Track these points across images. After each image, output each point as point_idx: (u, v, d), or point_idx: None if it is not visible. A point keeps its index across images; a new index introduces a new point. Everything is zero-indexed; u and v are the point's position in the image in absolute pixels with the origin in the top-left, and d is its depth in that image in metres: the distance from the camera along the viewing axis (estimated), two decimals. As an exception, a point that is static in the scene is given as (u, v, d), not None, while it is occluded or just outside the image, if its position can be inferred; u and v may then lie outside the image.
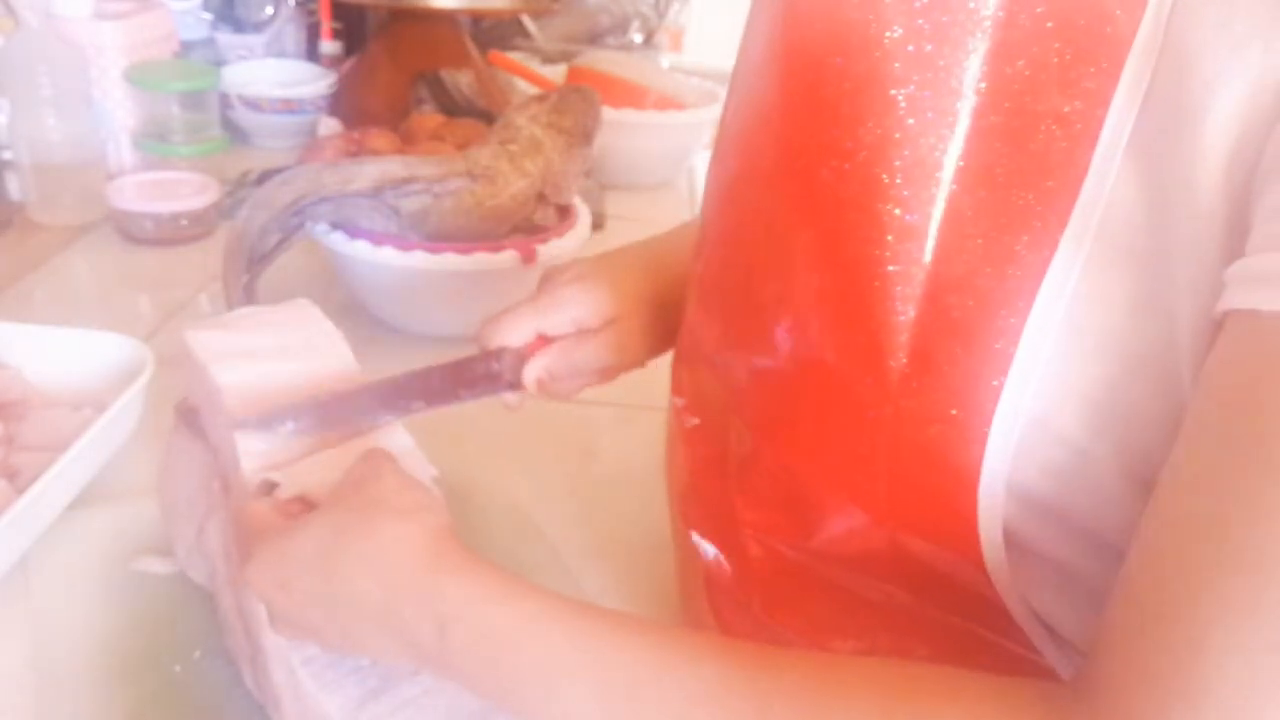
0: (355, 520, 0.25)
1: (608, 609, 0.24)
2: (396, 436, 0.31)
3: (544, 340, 0.34)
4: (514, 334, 0.34)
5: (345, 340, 0.34)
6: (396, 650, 0.25)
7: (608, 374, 0.36)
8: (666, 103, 0.84)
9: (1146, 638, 0.18)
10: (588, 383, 0.36)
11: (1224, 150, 0.18)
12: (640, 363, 0.36)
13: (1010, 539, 0.22)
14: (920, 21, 0.21)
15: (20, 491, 0.35)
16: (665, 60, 1.06)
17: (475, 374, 0.33)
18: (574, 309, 0.34)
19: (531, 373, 0.33)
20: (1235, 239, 0.18)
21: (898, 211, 0.21)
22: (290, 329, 0.34)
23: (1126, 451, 0.20)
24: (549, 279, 0.36)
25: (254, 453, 0.29)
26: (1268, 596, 0.16)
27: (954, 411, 0.21)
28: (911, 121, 0.21)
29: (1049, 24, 0.20)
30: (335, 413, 0.30)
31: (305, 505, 0.28)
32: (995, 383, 0.21)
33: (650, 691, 0.22)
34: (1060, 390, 0.21)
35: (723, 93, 0.92)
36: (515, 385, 0.34)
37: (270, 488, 0.29)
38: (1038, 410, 0.21)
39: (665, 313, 0.35)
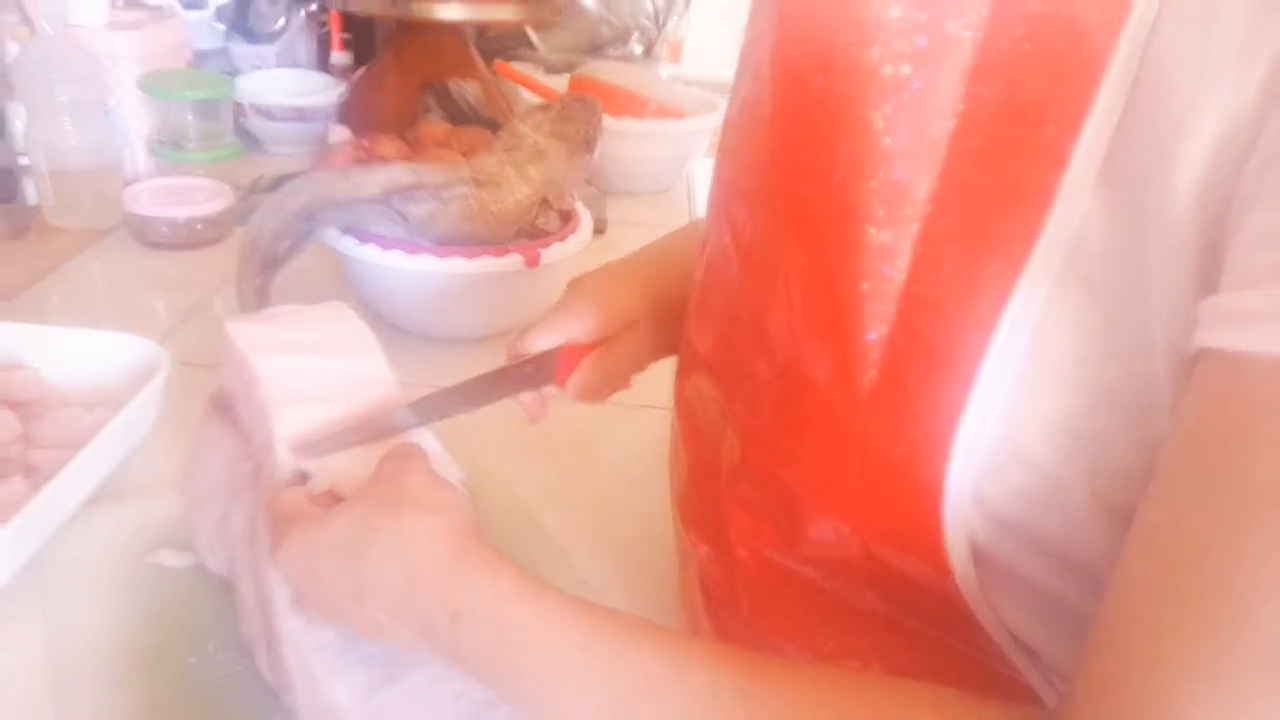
0: (383, 513, 0.26)
1: (619, 613, 0.24)
2: (425, 440, 0.32)
3: (572, 347, 0.36)
4: (541, 345, 0.36)
5: (379, 342, 0.35)
6: (415, 639, 0.25)
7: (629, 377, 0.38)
8: (666, 112, 0.85)
9: (1116, 683, 0.17)
10: (616, 388, 0.37)
11: (1196, 182, 0.17)
12: (656, 360, 0.38)
13: (983, 557, 0.22)
14: (898, 43, 0.21)
15: (37, 488, 0.36)
16: (664, 70, 1.07)
17: (511, 381, 0.35)
18: (593, 319, 0.36)
19: (573, 386, 0.35)
20: (1209, 273, 0.17)
21: (872, 230, 0.21)
22: (327, 327, 0.35)
23: (1100, 480, 0.20)
24: (571, 290, 0.37)
25: (289, 438, 0.30)
26: (1235, 647, 0.15)
27: (918, 431, 0.21)
28: (888, 141, 0.21)
29: (1026, 46, 0.19)
30: (374, 434, 0.31)
31: (335, 499, 0.29)
32: (958, 404, 0.20)
33: (649, 700, 0.22)
34: (1030, 415, 0.20)
35: (720, 102, 0.93)
36: (545, 381, 0.36)
37: (303, 479, 0.30)
38: (1007, 433, 0.21)
39: (672, 314, 0.36)
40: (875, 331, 0.22)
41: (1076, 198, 0.19)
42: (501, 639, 0.24)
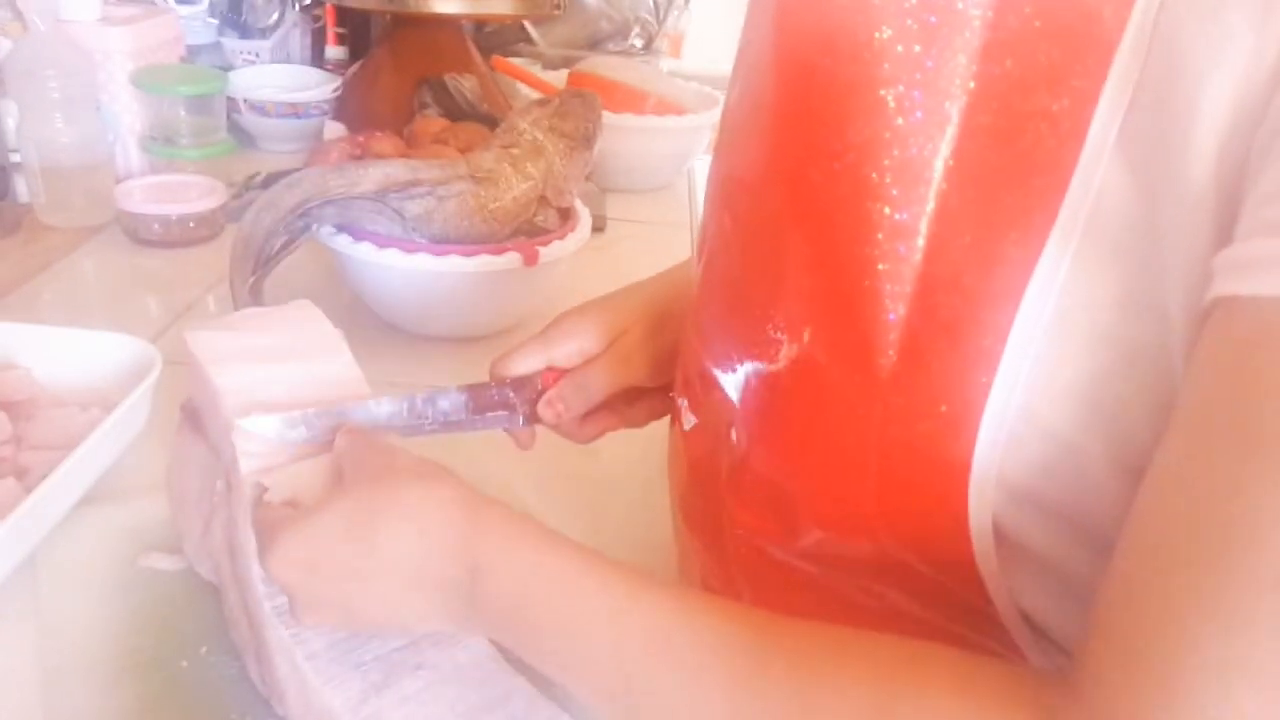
0: (381, 490, 0.26)
1: (635, 566, 0.24)
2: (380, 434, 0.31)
3: (555, 371, 0.35)
4: (522, 367, 0.35)
5: (346, 340, 0.34)
6: (427, 609, 0.25)
7: (632, 417, 0.36)
8: (666, 107, 0.84)
9: (1129, 631, 0.17)
10: (603, 428, 0.36)
11: (1214, 142, 0.18)
12: (654, 379, 0.36)
13: (1000, 534, 0.22)
14: (909, 22, 0.21)
15: (29, 490, 0.36)
16: (665, 65, 1.07)
17: (490, 400, 0.34)
18: (578, 339, 0.35)
19: (545, 406, 0.34)
20: (1225, 231, 0.18)
21: (887, 210, 0.22)
22: (291, 330, 0.34)
23: (1119, 447, 0.20)
24: (557, 319, 0.36)
25: (252, 453, 0.30)
26: (1243, 575, 0.16)
27: (943, 408, 0.21)
28: (900, 121, 0.21)
29: (1036, 23, 0.20)
30: (355, 422, 0.31)
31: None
32: (984, 379, 0.21)
33: (658, 648, 0.22)
34: (1050, 385, 0.21)
35: (721, 97, 0.92)
36: (530, 417, 0.35)
37: (263, 491, 0.29)
38: (1028, 404, 0.21)
39: (666, 325, 0.36)
40: (894, 312, 0.22)
41: (1094, 169, 0.19)
42: (521, 589, 0.24)
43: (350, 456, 0.28)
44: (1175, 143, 0.18)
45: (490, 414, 0.34)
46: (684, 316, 0.34)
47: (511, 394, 0.34)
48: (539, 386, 0.34)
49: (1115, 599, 0.18)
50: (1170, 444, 0.18)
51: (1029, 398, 0.21)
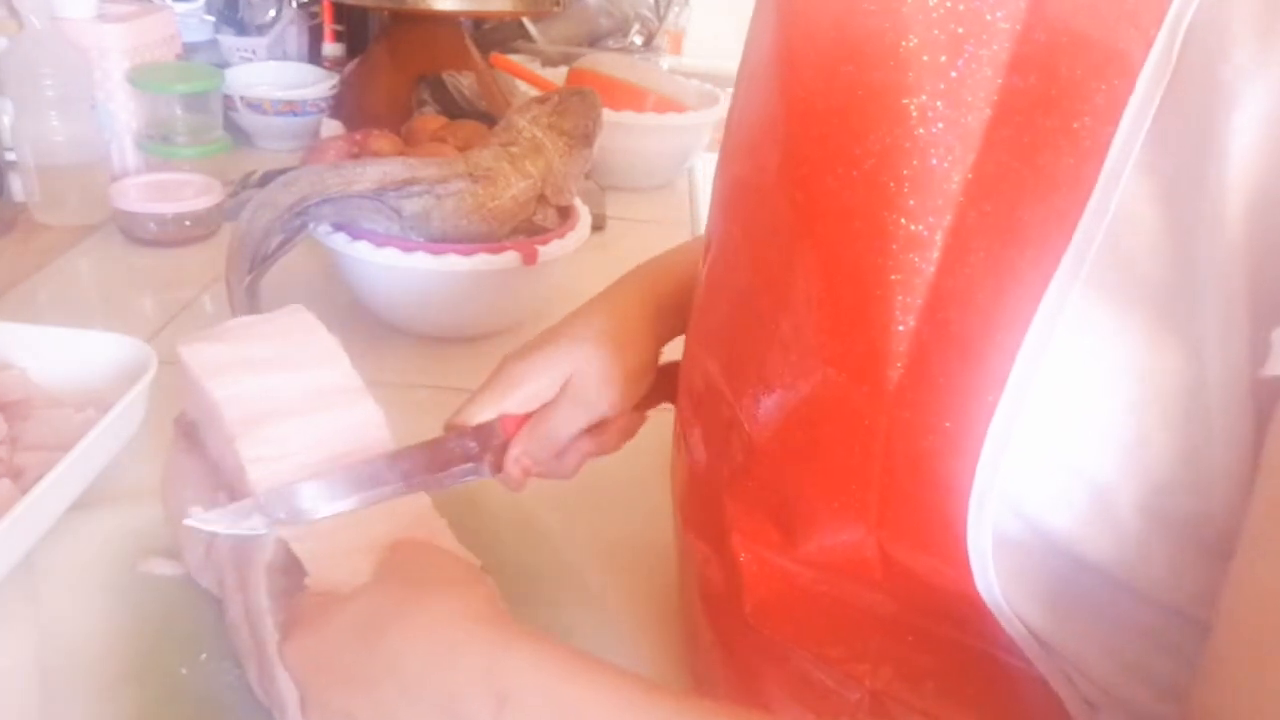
0: (401, 595, 0.24)
1: (684, 691, 0.23)
2: (433, 522, 0.30)
3: (513, 418, 0.34)
4: (477, 419, 0.34)
5: (341, 345, 0.34)
6: None
7: (605, 443, 0.35)
8: (666, 105, 0.84)
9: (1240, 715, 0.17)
10: (582, 457, 0.35)
11: (1249, 187, 0.17)
12: (619, 408, 0.35)
13: (1013, 560, 0.22)
14: (936, 32, 0.21)
15: (24, 491, 0.35)
16: (665, 63, 1.07)
17: (450, 454, 0.33)
18: (529, 385, 0.34)
19: (513, 465, 0.33)
20: (1263, 282, 0.17)
21: (903, 221, 0.21)
22: (285, 338, 0.33)
23: (1146, 487, 0.20)
24: (504, 362, 0.35)
25: (259, 460, 0.29)
26: None
27: (948, 424, 0.21)
28: (921, 131, 0.21)
29: (1063, 39, 0.20)
30: (309, 502, 0.29)
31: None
32: (990, 398, 0.20)
33: None
34: (1076, 422, 0.20)
35: (722, 95, 0.91)
36: (495, 466, 0.34)
37: (284, 548, 0.28)
38: (1052, 441, 0.20)
39: (625, 352, 0.35)
40: (904, 324, 0.22)
41: (1110, 191, 0.19)
42: (557, 718, 0.22)
43: (393, 555, 0.27)
44: (1210, 179, 0.18)
45: (453, 468, 0.32)
46: (644, 337, 0.34)
47: (472, 444, 0.33)
48: (499, 434, 0.33)
49: (1220, 696, 0.18)
50: (1257, 534, 0.18)
51: (1053, 433, 0.20)
